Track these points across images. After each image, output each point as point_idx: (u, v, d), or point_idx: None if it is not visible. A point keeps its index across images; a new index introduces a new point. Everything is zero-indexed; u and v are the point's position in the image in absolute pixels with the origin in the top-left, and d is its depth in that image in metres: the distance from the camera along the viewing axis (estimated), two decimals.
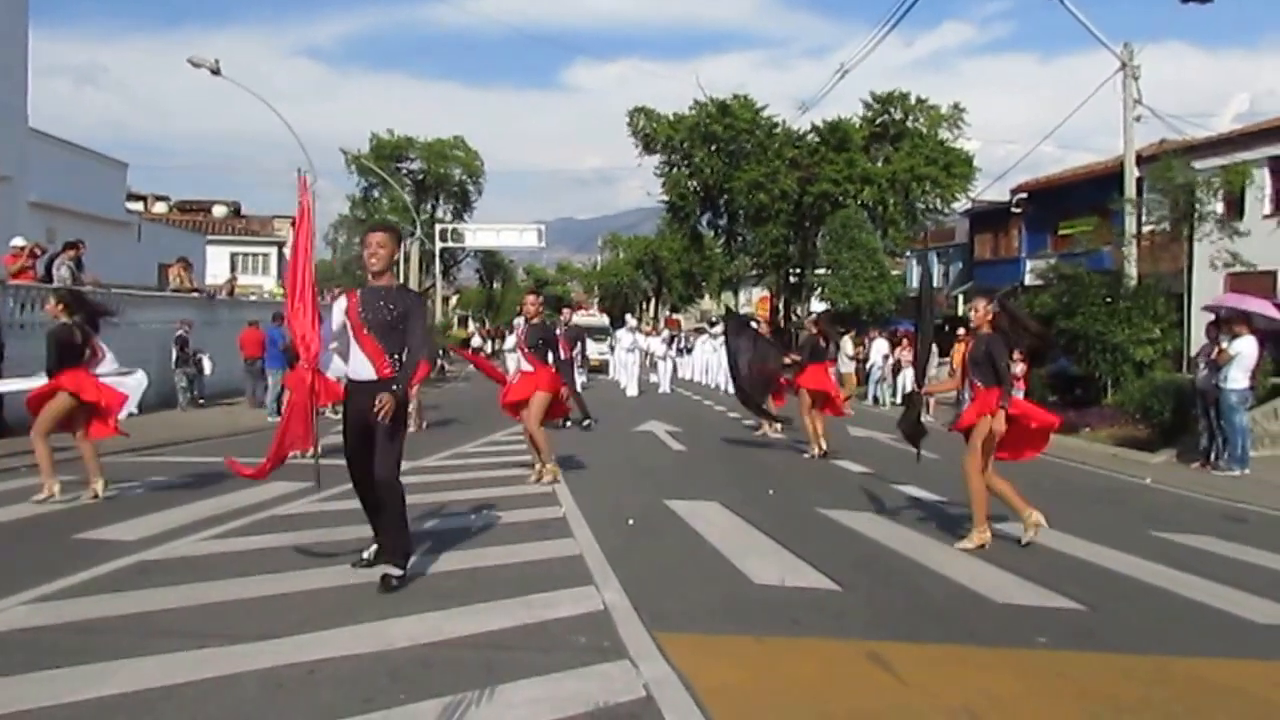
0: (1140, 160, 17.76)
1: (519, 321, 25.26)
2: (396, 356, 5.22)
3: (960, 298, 31.22)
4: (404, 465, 9.74)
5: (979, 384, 6.57)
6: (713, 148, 36.74)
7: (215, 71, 21.91)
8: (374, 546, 5.53)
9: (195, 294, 20.89)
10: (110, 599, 4.89)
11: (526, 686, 3.77)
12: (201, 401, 17.56)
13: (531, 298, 9.36)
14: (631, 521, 7.13)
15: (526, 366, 9.04)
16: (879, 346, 20.50)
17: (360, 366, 5.27)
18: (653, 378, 25.87)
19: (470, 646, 4.26)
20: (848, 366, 20.33)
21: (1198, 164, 18.13)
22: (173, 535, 6.45)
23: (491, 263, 65.60)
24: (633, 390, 23.03)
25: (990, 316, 6.72)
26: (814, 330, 12.44)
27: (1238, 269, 16.29)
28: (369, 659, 4.07)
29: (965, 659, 4.32)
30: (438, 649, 4.21)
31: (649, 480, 9.37)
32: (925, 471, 10.26)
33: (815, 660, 4.27)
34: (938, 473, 10.17)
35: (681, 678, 3.90)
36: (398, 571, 5.23)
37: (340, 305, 5.36)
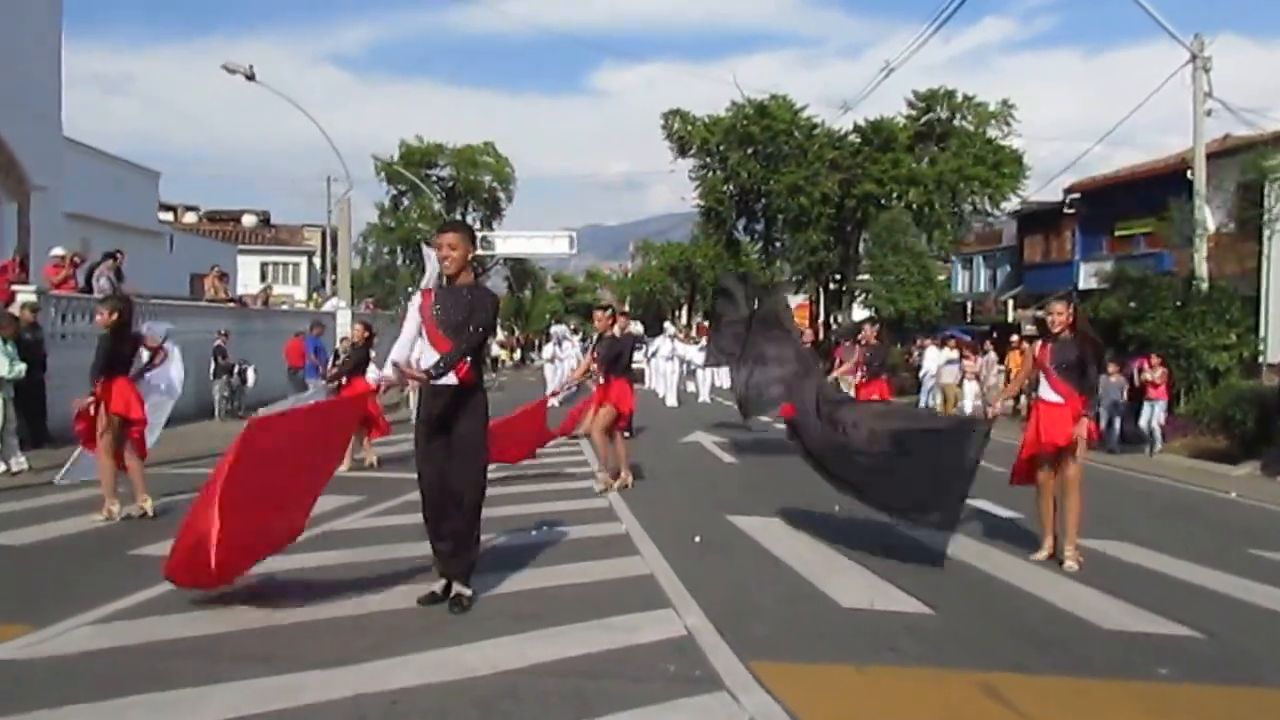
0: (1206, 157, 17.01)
1: (557, 330, 24.98)
2: (473, 358, 5.05)
3: (1010, 303, 30.42)
4: None
5: (1066, 389, 6.25)
6: (749, 150, 36.18)
7: (250, 77, 21.84)
8: (443, 582, 5.10)
9: (231, 304, 20.92)
10: (175, 620, 4.72)
11: None
12: (241, 414, 17.49)
13: (600, 313, 9.80)
14: (699, 539, 6.88)
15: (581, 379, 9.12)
16: (931, 355, 19.90)
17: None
18: (689, 386, 25.53)
19: (556, 674, 4.04)
20: (950, 377, 19.30)
21: (1266, 161, 17.40)
22: None
23: (521, 270, 65.60)
24: (672, 400, 22.74)
25: (1071, 319, 6.38)
26: (875, 342, 11.95)
27: None
28: (452, 688, 3.86)
29: (1085, 692, 4.03)
30: (523, 677, 4.00)
31: (706, 495, 9.11)
32: (995, 486, 9.94)
33: (926, 692, 4.00)
34: (1006, 486, 9.81)
35: (787, 711, 3.65)
36: (469, 591, 5.04)
37: (415, 303, 5.10)
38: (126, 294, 8.40)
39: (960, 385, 19.34)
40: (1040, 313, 28.34)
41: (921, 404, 20.46)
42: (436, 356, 4.87)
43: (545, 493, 9.02)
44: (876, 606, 5.22)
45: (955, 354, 19.65)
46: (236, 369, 17.63)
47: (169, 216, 37.35)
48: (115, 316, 7.54)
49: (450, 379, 4.88)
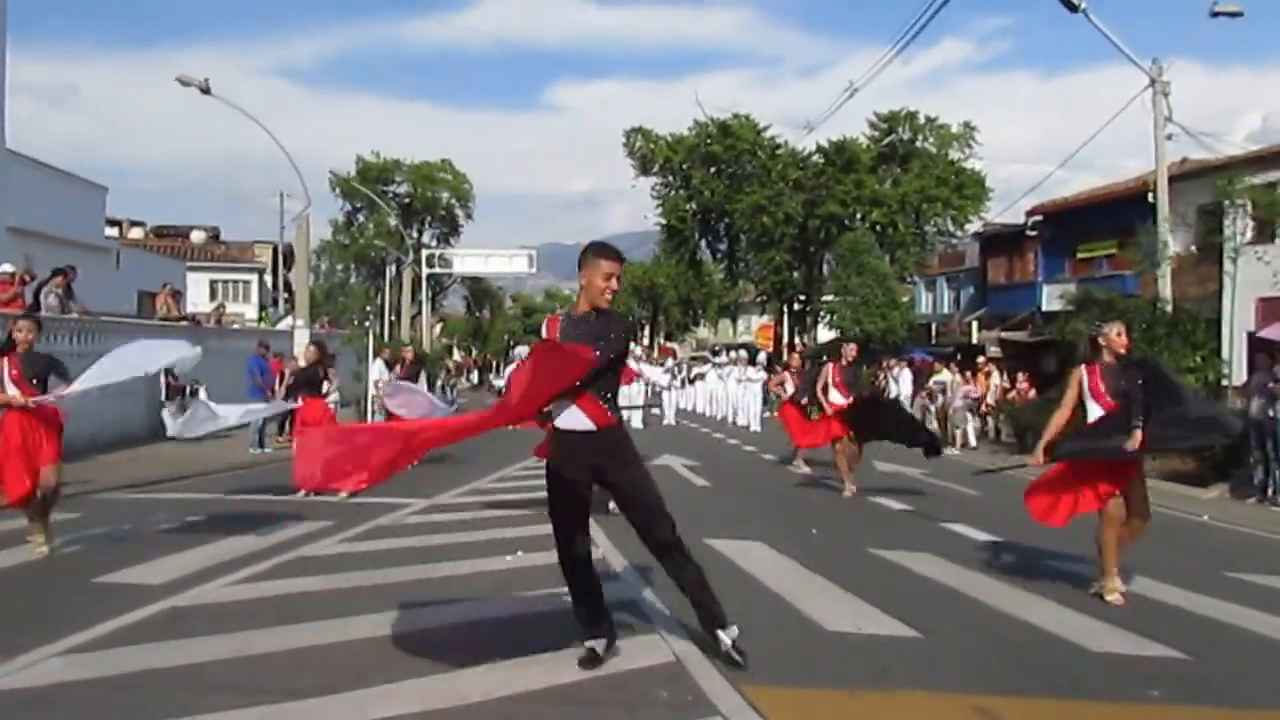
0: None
1: (519, 352, 24.69)
2: (610, 397, 4.38)
3: (974, 324, 30.70)
4: (419, 503, 9.64)
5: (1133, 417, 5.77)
6: (712, 169, 36.39)
7: (205, 90, 21.41)
8: (603, 640, 4.48)
9: (183, 323, 20.47)
10: (150, 650, 4.57)
11: None
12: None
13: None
14: None
15: None
16: (906, 377, 19.81)
17: (571, 414, 4.32)
18: (654, 409, 25.47)
19: (550, 701, 3.99)
20: (960, 402, 18.75)
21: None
22: (199, 579, 6.11)
23: (479, 290, 65.20)
24: (637, 423, 22.59)
25: (1129, 344, 5.98)
26: (853, 361, 11.63)
27: (1269, 294, 16.02)
28: (446, 716, 3.79)
29: (1082, 715, 4.07)
30: (517, 704, 3.93)
31: (681, 518, 8.74)
32: (969, 509, 10.05)
33: (922, 717, 4.00)
34: (981, 510, 9.93)
35: None
36: (733, 633, 4.49)
37: (545, 331, 4.44)
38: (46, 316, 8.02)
39: (976, 413, 18.60)
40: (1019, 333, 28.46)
41: None
42: (574, 404, 4.30)
43: (518, 518, 8.89)
44: (863, 630, 5.21)
45: (952, 377, 19.23)
46: (188, 389, 17.18)
47: (114, 232, 36.24)
48: (36, 334, 7.02)
49: (585, 424, 4.31)
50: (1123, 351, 5.93)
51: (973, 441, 18.16)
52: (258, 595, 5.75)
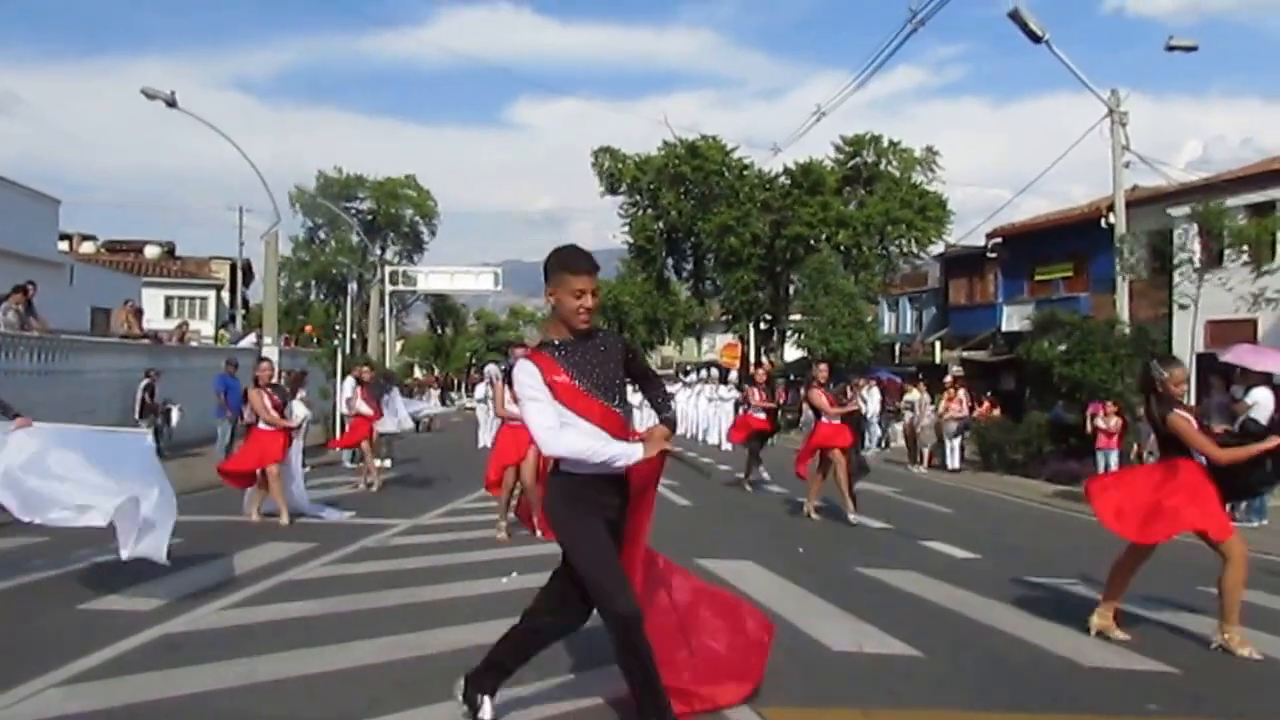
0: (1113, 207, 17.89)
1: (491, 369, 24.29)
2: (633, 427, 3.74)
3: (937, 344, 31.21)
4: (402, 524, 9.55)
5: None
6: (680, 190, 36.66)
7: (171, 103, 21.03)
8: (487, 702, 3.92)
9: (144, 340, 20.08)
10: (152, 679, 4.47)
11: None
12: (165, 454, 16.75)
13: (519, 350, 9.96)
14: None
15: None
16: (875, 396, 20.02)
17: None
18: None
19: None
20: (928, 419, 18.45)
21: (1173, 210, 18.45)
22: (189, 604, 5.98)
23: (443, 307, 64.71)
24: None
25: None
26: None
27: (1218, 317, 16.55)
28: None
29: None
30: None
31: (669, 538, 8.93)
32: (944, 527, 10.20)
33: None
34: (956, 528, 10.08)
35: None
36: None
37: (533, 374, 3.60)
38: None
39: (956, 435, 17.93)
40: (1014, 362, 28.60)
41: (868, 444, 20.13)
42: (594, 433, 3.62)
43: (500, 539, 8.84)
44: (865, 650, 5.27)
45: (920, 396, 19.09)
46: (160, 408, 16.95)
47: (64, 246, 35.34)
48: None
49: None
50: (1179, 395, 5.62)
51: (956, 463, 17.80)
52: (254, 620, 5.64)
